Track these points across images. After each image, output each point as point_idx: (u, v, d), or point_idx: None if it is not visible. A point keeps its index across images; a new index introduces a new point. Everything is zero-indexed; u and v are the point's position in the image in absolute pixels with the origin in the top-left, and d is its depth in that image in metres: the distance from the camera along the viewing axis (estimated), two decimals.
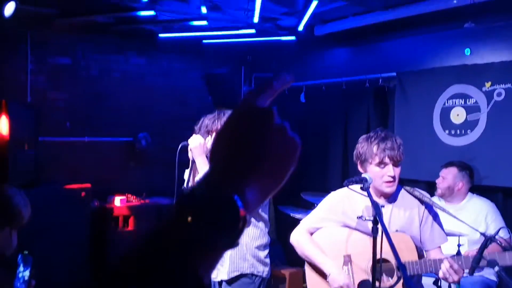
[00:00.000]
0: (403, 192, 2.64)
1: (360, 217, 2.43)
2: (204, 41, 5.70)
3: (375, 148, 2.50)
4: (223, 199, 0.59)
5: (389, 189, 2.51)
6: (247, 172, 0.63)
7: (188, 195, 0.60)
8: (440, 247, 2.63)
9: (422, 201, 2.60)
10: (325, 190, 4.81)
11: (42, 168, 5.20)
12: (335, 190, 2.82)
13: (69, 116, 5.53)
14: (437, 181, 4.09)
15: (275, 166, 0.65)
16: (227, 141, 0.66)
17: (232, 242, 0.59)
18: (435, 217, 2.63)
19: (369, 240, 2.52)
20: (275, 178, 0.66)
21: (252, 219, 3.02)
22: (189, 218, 0.57)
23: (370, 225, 2.34)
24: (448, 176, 4.01)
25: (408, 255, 2.44)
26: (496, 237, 2.94)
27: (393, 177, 2.49)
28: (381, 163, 2.49)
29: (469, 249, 3.59)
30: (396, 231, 2.48)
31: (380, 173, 2.50)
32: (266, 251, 3.11)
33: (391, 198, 2.60)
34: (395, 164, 2.49)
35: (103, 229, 5.25)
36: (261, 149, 0.64)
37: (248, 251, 3.00)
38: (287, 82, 0.73)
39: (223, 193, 0.59)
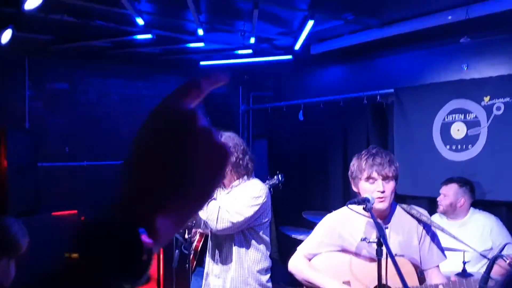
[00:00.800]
0: (399, 211, 2.60)
1: (364, 239, 2.39)
2: (202, 62, 5.72)
3: (363, 164, 2.49)
4: (119, 228, 0.48)
5: (380, 204, 2.46)
6: (160, 188, 0.52)
7: (82, 227, 0.50)
8: (438, 266, 2.58)
9: (419, 220, 2.56)
10: (326, 209, 4.79)
11: (42, 193, 5.17)
12: (336, 208, 2.79)
13: (68, 141, 5.52)
14: (438, 198, 4.06)
15: (197, 178, 0.55)
16: (137, 152, 0.54)
17: (136, 278, 0.49)
18: (433, 236, 2.59)
19: (368, 266, 2.48)
20: (198, 193, 0.55)
21: (253, 242, 2.98)
22: (74, 255, 0.48)
23: (373, 246, 2.30)
24: (449, 193, 3.98)
25: (409, 280, 2.39)
26: (503, 254, 2.91)
27: (383, 192, 2.45)
28: (369, 178, 2.47)
29: (475, 265, 3.54)
30: (395, 255, 2.44)
31: (370, 188, 2.47)
32: (268, 275, 3.07)
33: (387, 218, 2.57)
34: (384, 180, 2.46)
35: None
36: (178, 158, 0.54)
37: (250, 275, 2.96)
38: (220, 80, 0.63)
39: (121, 219, 0.49)
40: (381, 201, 2.46)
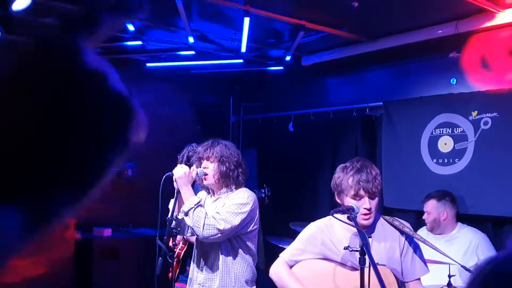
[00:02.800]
0: (382, 222, 2.60)
1: (346, 248, 2.37)
2: (192, 70, 5.71)
3: (350, 180, 2.46)
4: None
5: (366, 221, 2.47)
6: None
7: None
8: (419, 279, 2.57)
9: (402, 232, 2.55)
10: (314, 219, 4.77)
11: None
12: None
13: None
14: (423, 217, 4.07)
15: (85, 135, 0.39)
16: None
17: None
18: (416, 248, 2.59)
19: (351, 274, 2.47)
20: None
21: (240, 251, 2.95)
22: None
23: (356, 255, 2.28)
24: (430, 210, 4.00)
25: None
26: None
27: (369, 210, 2.44)
28: (356, 196, 2.45)
29: (461, 278, 3.52)
30: (377, 264, 2.42)
31: (356, 205, 2.46)
32: (254, 286, 3.04)
33: (370, 229, 2.56)
34: (370, 197, 2.45)
35: (88, 261, 5.13)
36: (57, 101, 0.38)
37: (236, 284, 2.93)
38: None
39: None
40: (366, 219, 2.46)
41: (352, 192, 2.45)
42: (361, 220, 2.45)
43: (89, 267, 5.11)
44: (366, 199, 2.44)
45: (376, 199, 2.48)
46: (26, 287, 4.37)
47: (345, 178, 2.49)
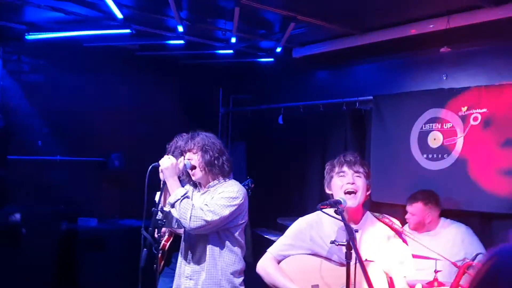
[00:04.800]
0: (372, 218, 2.60)
1: (333, 242, 2.35)
2: (181, 61, 5.64)
3: (335, 161, 2.60)
4: None
5: (351, 201, 2.47)
6: None
7: None
8: (405, 277, 2.55)
9: (392, 228, 2.54)
10: (302, 213, 4.74)
11: (11, 187, 5.03)
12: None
13: (41, 135, 5.39)
14: (406, 216, 4.06)
15: None
16: None
17: None
18: (404, 247, 2.57)
19: (338, 270, 2.45)
20: None
21: (228, 243, 2.92)
22: None
23: (343, 250, 2.26)
24: (416, 213, 3.99)
25: (378, 286, 2.36)
26: (474, 263, 2.91)
27: (353, 184, 2.48)
28: (340, 172, 2.54)
29: (447, 274, 3.52)
30: (366, 260, 2.40)
31: (340, 183, 2.52)
32: (241, 278, 3.01)
33: (359, 224, 2.55)
34: (355, 173, 2.52)
35: (72, 251, 5.07)
36: None
37: (223, 277, 2.90)
38: None
39: None
40: (352, 197, 2.47)
41: (336, 170, 2.55)
42: (347, 199, 2.45)
43: (74, 258, 5.06)
44: (349, 174, 2.50)
45: (362, 180, 2.51)
46: (8, 279, 4.32)
47: (331, 162, 2.62)
